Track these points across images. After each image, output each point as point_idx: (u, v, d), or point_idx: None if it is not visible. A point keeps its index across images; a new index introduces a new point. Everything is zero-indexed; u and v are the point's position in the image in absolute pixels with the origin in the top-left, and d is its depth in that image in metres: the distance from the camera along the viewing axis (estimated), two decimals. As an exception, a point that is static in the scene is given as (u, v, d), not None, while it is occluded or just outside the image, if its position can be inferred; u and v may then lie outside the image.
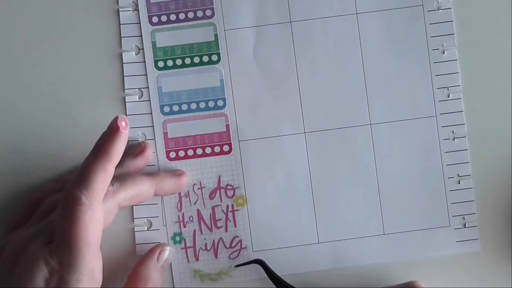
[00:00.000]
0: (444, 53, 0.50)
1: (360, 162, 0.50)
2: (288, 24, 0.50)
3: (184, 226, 0.50)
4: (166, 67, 0.49)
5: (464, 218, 0.50)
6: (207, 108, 0.50)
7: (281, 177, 0.50)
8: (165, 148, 0.50)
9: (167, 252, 0.48)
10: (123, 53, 0.50)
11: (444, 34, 0.50)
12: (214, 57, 0.49)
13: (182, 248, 0.50)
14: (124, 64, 0.50)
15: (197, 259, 0.50)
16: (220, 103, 0.50)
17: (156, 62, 0.50)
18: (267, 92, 0.50)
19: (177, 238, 0.50)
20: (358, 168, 0.50)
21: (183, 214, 0.49)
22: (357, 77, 0.50)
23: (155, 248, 0.48)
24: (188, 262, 0.50)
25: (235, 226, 0.50)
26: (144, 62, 0.50)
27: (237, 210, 0.50)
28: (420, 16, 0.50)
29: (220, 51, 0.50)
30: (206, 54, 0.49)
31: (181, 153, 0.50)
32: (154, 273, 0.47)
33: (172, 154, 0.50)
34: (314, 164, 0.50)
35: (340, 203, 0.50)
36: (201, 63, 0.49)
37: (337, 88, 0.50)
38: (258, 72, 0.50)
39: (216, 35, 0.50)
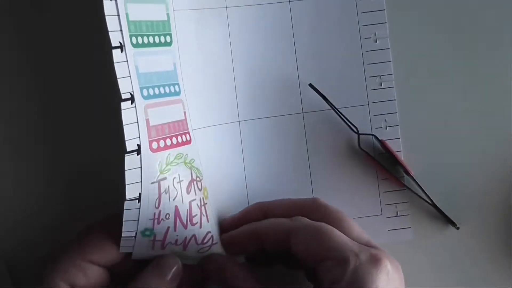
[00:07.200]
0: (376, 41, 0.50)
1: (292, 150, 0.50)
2: (224, 9, 0.49)
3: (158, 224, 0.43)
4: (138, 45, 0.42)
5: (396, 206, 0.50)
6: (171, 94, 0.44)
7: (221, 167, 0.48)
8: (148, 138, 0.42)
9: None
10: (113, 51, 0.41)
11: (376, 23, 0.50)
12: (168, 38, 0.45)
13: (150, 240, 0.44)
14: (115, 64, 0.41)
15: (163, 249, 0.44)
16: (176, 88, 0.45)
17: (131, 37, 0.42)
18: (207, 79, 0.48)
19: (147, 233, 0.44)
20: (290, 156, 0.50)
21: (159, 211, 0.43)
22: (290, 65, 0.50)
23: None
24: (153, 249, 0.44)
25: (208, 221, 0.45)
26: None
27: (206, 203, 0.45)
28: (352, 5, 0.50)
29: (171, 33, 0.45)
30: (162, 34, 0.45)
31: (162, 143, 0.43)
32: None
33: (154, 145, 0.43)
34: (247, 154, 0.49)
35: (274, 193, 0.49)
36: (160, 43, 0.44)
37: (269, 76, 0.49)
38: (200, 56, 0.48)
39: (168, 14, 0.45)
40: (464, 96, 0.51)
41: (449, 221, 0.50)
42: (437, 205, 0.50)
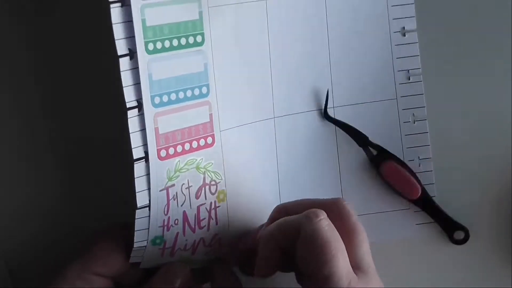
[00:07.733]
0: (405, 35, 0.50)
1: (323, 145, 0.49)
2: (264, 2, 0.47)
3: (168, 230, 0.43)
4: (156, 50, 0.41)
5: (424, 200, 0.50)
6: (193, 97, 0.43)
7: (255, 166, 0.47)
8: (156, 146, 0.42)
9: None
10: (120, 59, 0.40)
11: (405, 16, 0.50)
12: (199, 38, 0.43)
13: (159, 249, 0.44)
14: (121, 72, 0.40)
15: (172, 256, 0.45)
16: (204, 90, 0.44)
17: (146, 44, 0.40)
18: (242, 75, 0.46)
19: (158, 241, 0.43)
20: (320, 152, 0.49)
21: (168, 218, 0.43)
22: (323, 60, 0.49)
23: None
24: (162, 257, 0.44)
25: (216, 224, 0.45)
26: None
27: (218, 206, 0.45)
28: (383, -2, 0.50)
29: (204, 31, 0.43)
30: (192, 34, 0.43)
31: (171, 151, 0.42)
32: None
33: (163, 153, 0.42)
34: (281, 149, 0.48)
35: (305, 187, 0.49)
36: (187, 45, 0.42)
37: (303, 71, 0.49)
38: (237, 52, 0.46)
39: (200, 13, 0.43)
40: (494, 89, 0.51)
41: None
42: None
